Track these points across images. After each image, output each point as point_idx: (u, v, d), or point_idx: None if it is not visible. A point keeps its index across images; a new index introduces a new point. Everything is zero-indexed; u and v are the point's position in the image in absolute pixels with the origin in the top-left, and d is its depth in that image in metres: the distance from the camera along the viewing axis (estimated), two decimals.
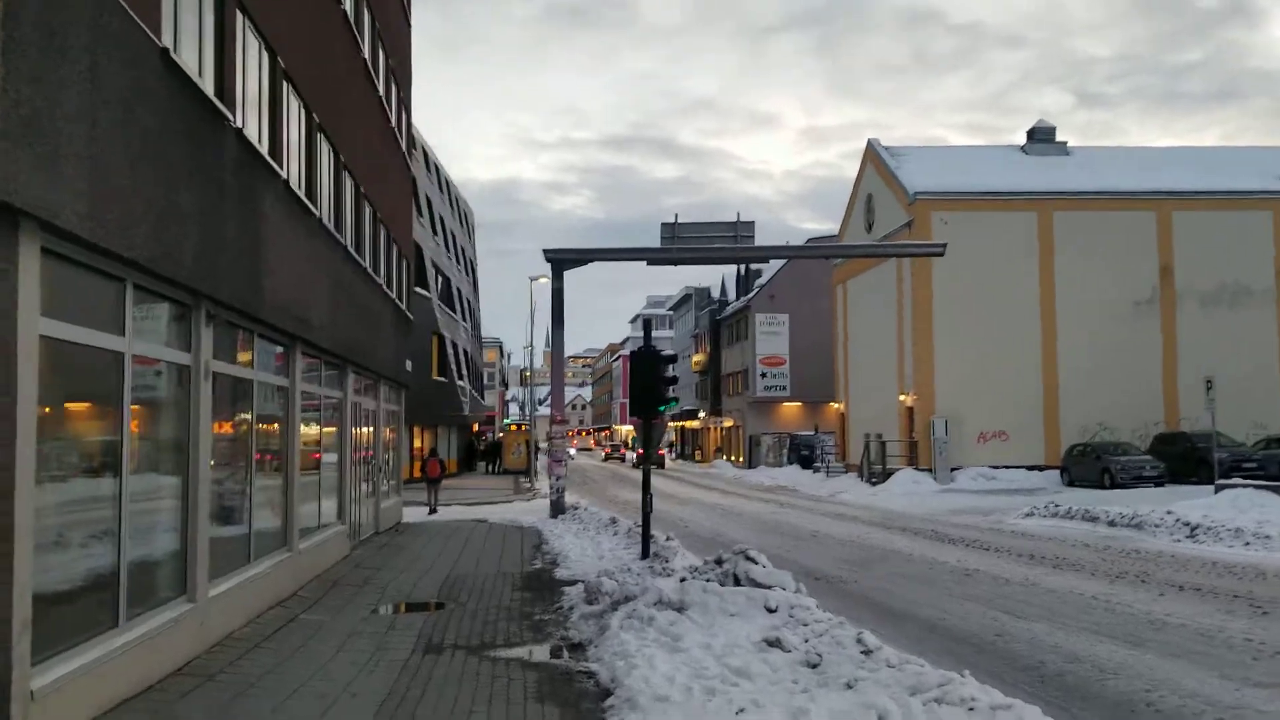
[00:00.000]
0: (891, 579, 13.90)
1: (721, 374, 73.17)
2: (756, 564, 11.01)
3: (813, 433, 51.15)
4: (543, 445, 60.74)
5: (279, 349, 11.75)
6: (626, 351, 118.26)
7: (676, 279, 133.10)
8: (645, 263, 24.33)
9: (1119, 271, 36.36)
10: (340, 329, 14.62)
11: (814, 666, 7.78)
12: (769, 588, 10.32)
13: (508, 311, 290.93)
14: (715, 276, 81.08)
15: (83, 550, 6.76)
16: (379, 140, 19.37)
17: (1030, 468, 34.60)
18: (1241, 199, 37.03)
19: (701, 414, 78.75)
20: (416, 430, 41.54)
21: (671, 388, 14.83)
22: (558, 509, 22.23)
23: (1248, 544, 16.12)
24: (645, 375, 14.37)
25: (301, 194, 12.07)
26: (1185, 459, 31.02)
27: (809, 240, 58.71)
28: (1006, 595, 12.30)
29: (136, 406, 7.43)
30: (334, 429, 15.49)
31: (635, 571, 12.25)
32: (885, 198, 39.88)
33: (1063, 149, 41.23)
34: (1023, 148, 41.61)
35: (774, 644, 8.42)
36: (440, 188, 52.38)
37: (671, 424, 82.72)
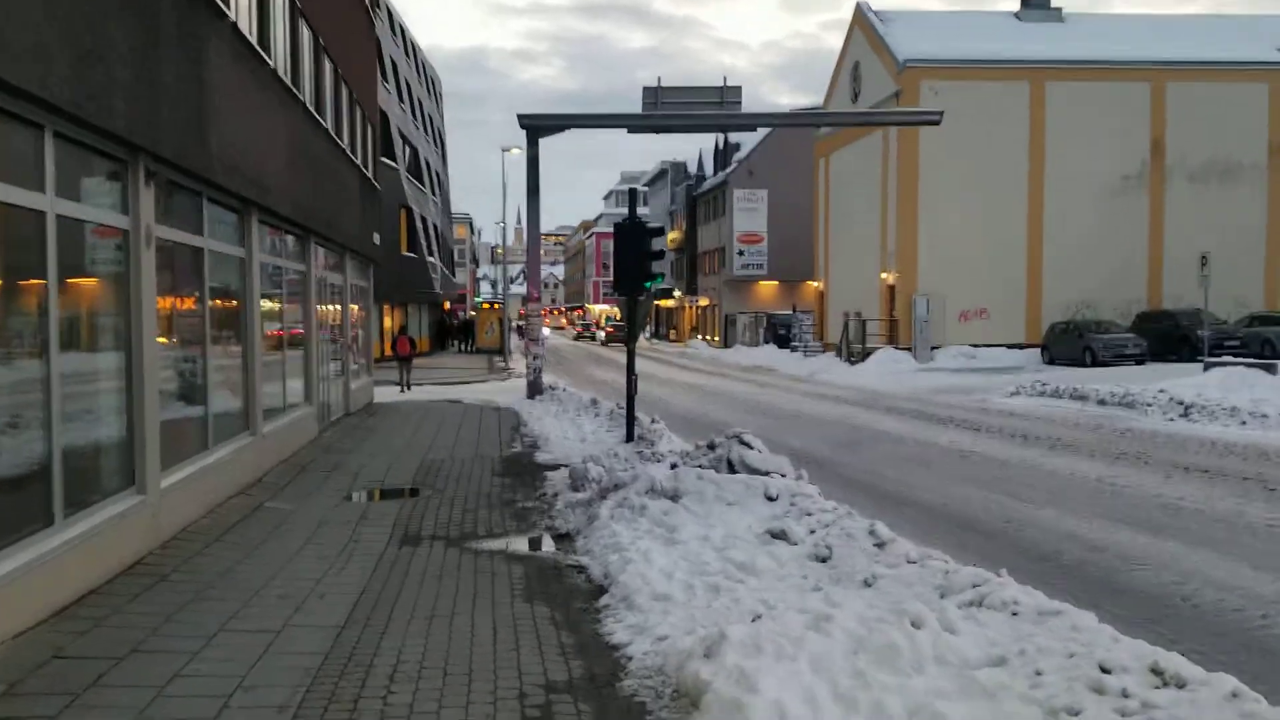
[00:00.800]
0: (885, 461, 13.43)
1: (698, 252, 71.90)
2: (752, 449, 10.39)
3: (790, 312, 50.48)
4: (516, 324, 59.94)
5: (233, 215, 10.71)
6: (601, 228, 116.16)
7: (652, 153, 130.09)
8: (626, 130, 23.01)
9: (1109, 145, 35.32)
10: (301, 195, 13.51)
11: (824, 560, 7.21)
12: (766, 474, 9.72)
13: (477, 187, 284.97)
14: (692, 150, 78.77)
15: (3, 441, 5.92)
16: None
17: (1010, 346, 34.23)
18: (1237, 70, 35.80)
19: (677, 293, 77.82)
20: (386, 308, 40.50)
21: (656, 263, 13.95)
22: (535, 389, 21.55)
23: (1244, 423, 15.76)
24: (631, 249, 13.45)
25: (253, 40, 10.82)
26: (1167, 337, 30.74)
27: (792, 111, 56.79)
28: (1007, 478, 11.85)
29: (66, 276, 6.50)
30: (298, 304, 14.54)
31: (622, 456, 11.64)
32: (873, 66, 38.25)
33: (1058, 16, 39.56)
34: (1017, 14, 39.89)
35: (778, 536, 7.84)
36: (407, 52, 49.85)
37: None
